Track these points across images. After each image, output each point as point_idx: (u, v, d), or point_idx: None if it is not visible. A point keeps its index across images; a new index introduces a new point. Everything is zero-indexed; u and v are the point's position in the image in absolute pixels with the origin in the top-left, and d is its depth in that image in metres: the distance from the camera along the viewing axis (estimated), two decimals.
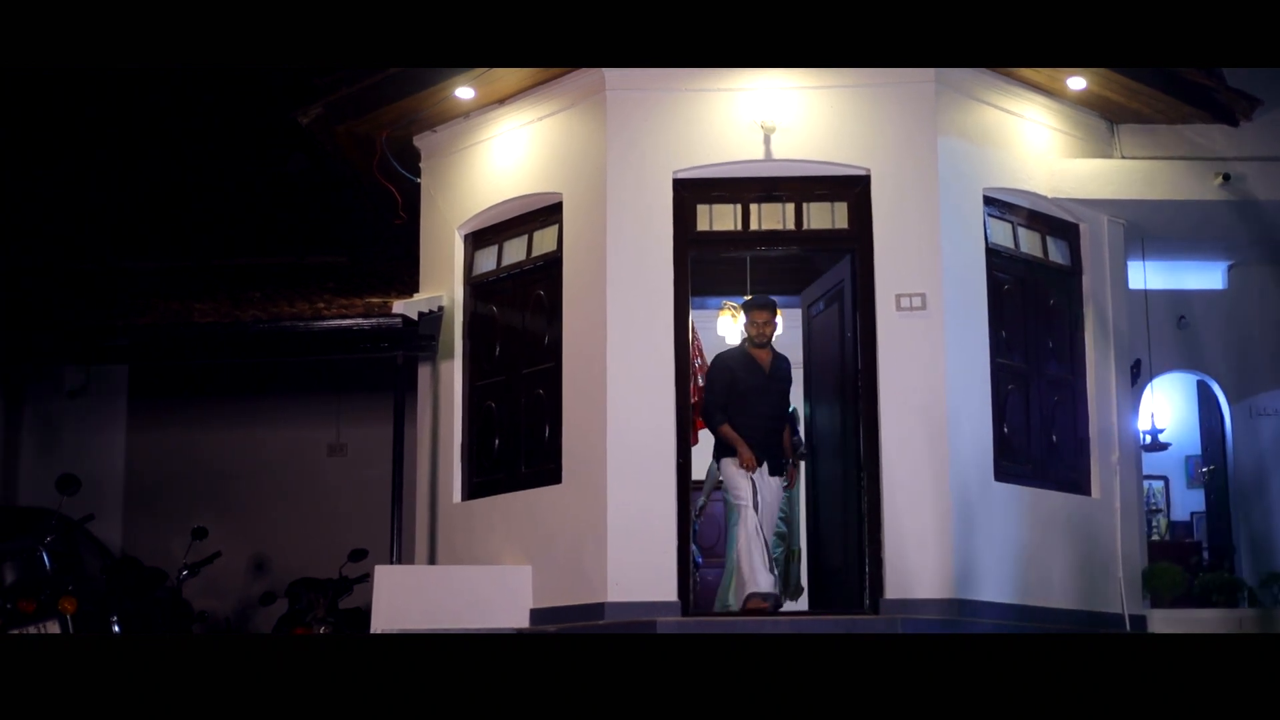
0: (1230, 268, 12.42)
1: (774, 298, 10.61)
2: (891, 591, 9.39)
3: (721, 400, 9.85)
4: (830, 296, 10.49)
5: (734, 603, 9.94)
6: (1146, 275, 11.48)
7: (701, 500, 11.57)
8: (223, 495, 13.51)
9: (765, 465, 9.77)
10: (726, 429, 9.76)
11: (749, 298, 10.87)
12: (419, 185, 11.37)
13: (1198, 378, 12.77)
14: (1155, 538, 12.45)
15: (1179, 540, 12.76)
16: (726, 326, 13.03)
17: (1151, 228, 11.13)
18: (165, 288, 12.60)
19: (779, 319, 10.66)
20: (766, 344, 9.99)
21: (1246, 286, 12.40)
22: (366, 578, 11.23)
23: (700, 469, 10.22)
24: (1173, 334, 12.20)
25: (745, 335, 10.38)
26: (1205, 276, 12.41)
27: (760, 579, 9.49)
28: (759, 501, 9.64)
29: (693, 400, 10.27)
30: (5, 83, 13.62)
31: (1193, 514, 13.25)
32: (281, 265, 13.29)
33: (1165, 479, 13.31)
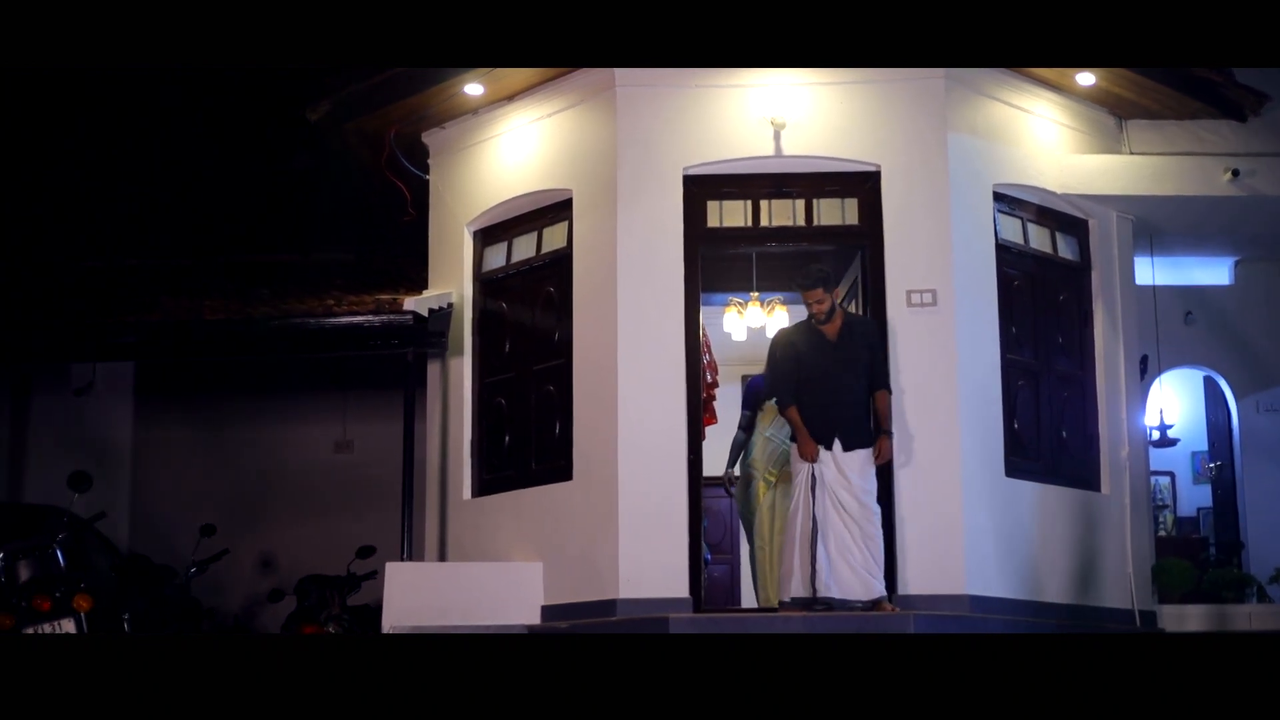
0: (1237, 263, 12.46)
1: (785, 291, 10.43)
2: (903, 588, 9.38)
3: (788, 378, 9.21)
4: (850, 293, 10.50)
5: (773, 596, 9.78)
6: (1155, 271, 11.49)
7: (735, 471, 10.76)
8: (228, 493, 13.49)
9: (837, 444, 9.03)
10: (792, 412, 9.13)
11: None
12: (427, 182, 11.36)
13: (1204, 373, 12.81)
14: (1162, 534, 12.49)
15: (1186, 536, 12.80)
16: (733, 323, 13.04)
17: (1160, 223, 11.15)
18: (171, 285, 12.58)
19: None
20: (829, 319, 9.21)
21: (1253, 282, 12.46)
22: (374, 575, 11.24)
23: (711, 466, 10.16)
24: (1180, 330, 12.23)
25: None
26: (1212, 272, 12.45)
27: (795, 584, 8.98)
28: (819, 488, 8.98)
29: (703, 396, 10.25)
30: (14, 82, 13.60)
31: (1199, 510, 13.29)
32: (287, 262, 13.26)
33: (1171, 475, 13.35)
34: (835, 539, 8.92)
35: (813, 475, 8.97)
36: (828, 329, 9.21)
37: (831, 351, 9.18)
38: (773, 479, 9.97)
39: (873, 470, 9.08)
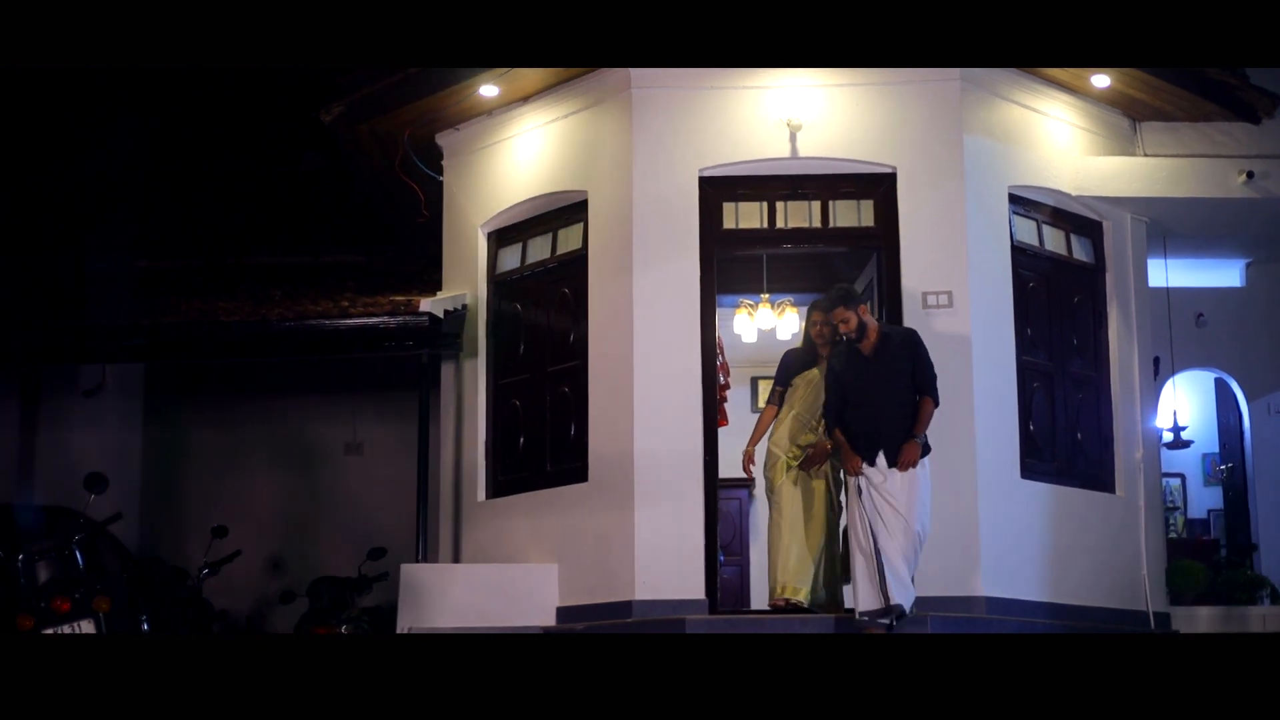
0: (1248, 265, 12.48)
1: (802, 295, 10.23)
2: (919, 589, 9.33)
3: (835, 403, 9.06)
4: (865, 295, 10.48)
5: (778, 586, 9.65)
6: (1168, 273, 11.49)
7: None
8: (237, 494, 13.47)
9: (881, 460, 8.77)
10: (837, 434, 9.01)
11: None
12: (441, 183, 11.35)
13: (1215, 375, 12.82)
14: (1172, 536, 12.49)
15: (1197, 538, 12.81)
16: (744, 325, 13.04)
17: (1173, 225, 11.16)
18: (181, 286, 12.58)
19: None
20: (861, 336, 8.97)
21: (1264, 284, 12.48)
22: (385, 576, 11.23)
23: (725, 468, 10.14)
24: (1191, 331, 12.23)
25: None
26: (1223, 274, 12.47)
27: (864, 596, 8.73)
28: (864, 499, 8.76)
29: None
30: (26, 82, 13.60)
31: (1209, 511, 13.31)
32: (298, 264, 13.26)
33: (1182, 476, 13.36)
34: (881, 552, 8.67)
35: (859, 488, 8.80)
36: (863, 346, 8.99)
37: (867, 368, 8.96)
38: (794, 461, 9.60)
39: (917, 483, 8.76)
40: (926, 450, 8.85)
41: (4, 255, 13.84)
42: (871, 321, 9.07)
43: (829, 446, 9.35)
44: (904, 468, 8.73)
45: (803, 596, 9.39)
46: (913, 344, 9.03)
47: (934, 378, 8.95)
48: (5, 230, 14.11)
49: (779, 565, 9.56)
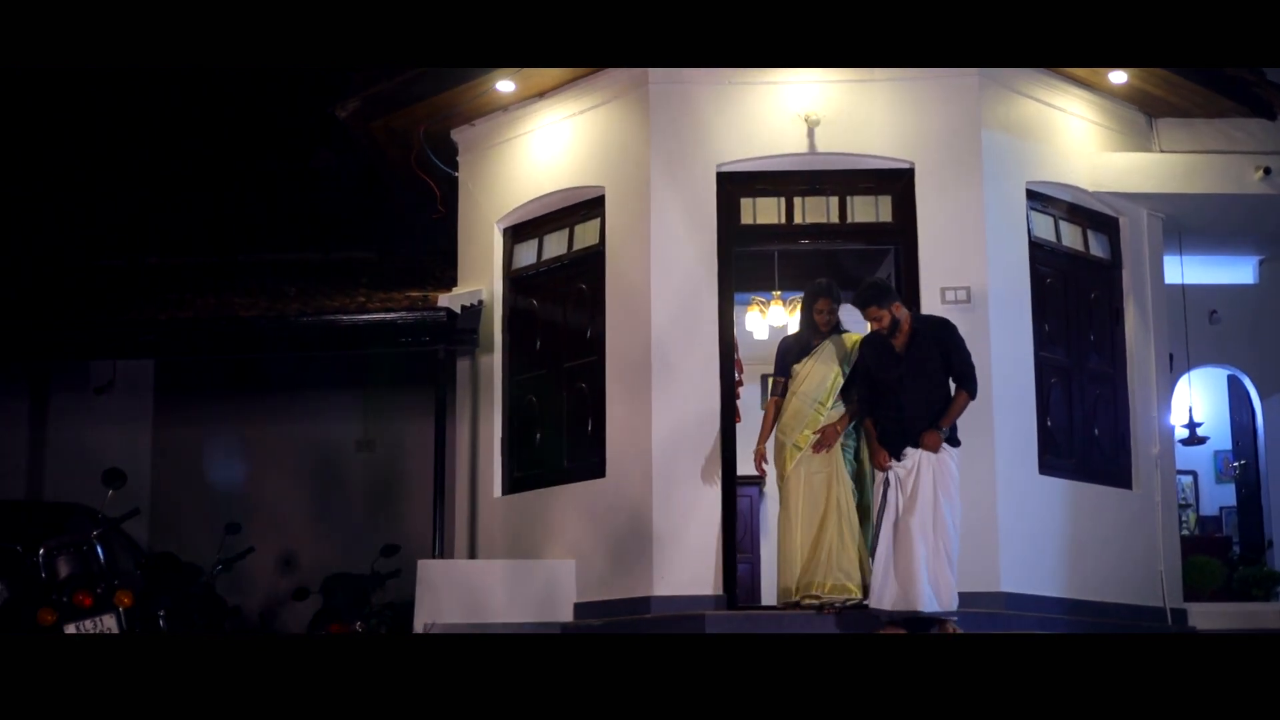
0: (1262, 262, 12.48)
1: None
2: None
3: (864, 392, 9.01)
4: None
5: (790, 586, 9.56)
6: (1183, 269, 11.48)
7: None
8: (248, 491, 13.45)
9: (910, 451, 8.65)
10: (867, 424, 8.94)
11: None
12: (455, 179, 11.33)
13: (1228, 372, 12.81)
14: (1185, 533, 12.47)
15: (1209, 535, 12.80)
16: (755, 322, 13.01)
17: (1189, 222, 11.14)
18: (193, 283, 12.56)
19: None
20: (893, 333, 8.81)
21: (1278, 281, 12.43)
22: (399, 573, 11.22)
23: (741, 465, 10.12)
24: (1204, 328, 12.22)
25: None
26: (1237, 271, 12.47)
27: (884, 595, 8.56)
28: (892, 497, 8.66)
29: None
30: (38, 80, 13.59)
31: (1221, 508, 13.31)
32: (309, 261, 13.26)
33: (1194, 474, 13.35)
34: (901, 548, 8.56)
35: (886, 481, 8.70)
36: (895, 341, 8.83)
37: (897, 365, 8.80)
38: (801, 447, 9.31)
39: (947, 474, 8.65)
40: (956, 442, 8.75)
41: (12, 252, 13.83)
42: (905, 316, 8.90)
43: (840, 428, 9.23)
44: (926, 448, 8.61)
45: (844, 592, 9.09)
46: (946, 335, 8.89)
47: (971, 369, 8.81)
48: (14, 227, 14.10)
49: (793, 564, 9.26)
